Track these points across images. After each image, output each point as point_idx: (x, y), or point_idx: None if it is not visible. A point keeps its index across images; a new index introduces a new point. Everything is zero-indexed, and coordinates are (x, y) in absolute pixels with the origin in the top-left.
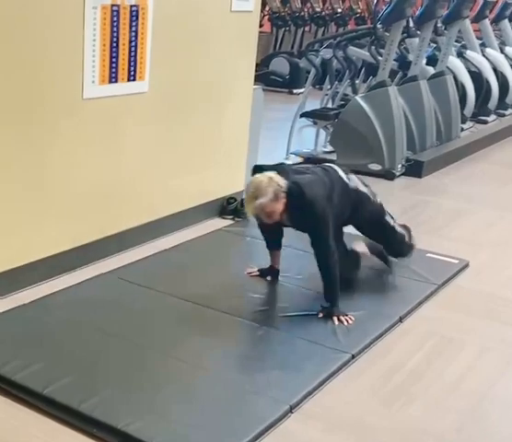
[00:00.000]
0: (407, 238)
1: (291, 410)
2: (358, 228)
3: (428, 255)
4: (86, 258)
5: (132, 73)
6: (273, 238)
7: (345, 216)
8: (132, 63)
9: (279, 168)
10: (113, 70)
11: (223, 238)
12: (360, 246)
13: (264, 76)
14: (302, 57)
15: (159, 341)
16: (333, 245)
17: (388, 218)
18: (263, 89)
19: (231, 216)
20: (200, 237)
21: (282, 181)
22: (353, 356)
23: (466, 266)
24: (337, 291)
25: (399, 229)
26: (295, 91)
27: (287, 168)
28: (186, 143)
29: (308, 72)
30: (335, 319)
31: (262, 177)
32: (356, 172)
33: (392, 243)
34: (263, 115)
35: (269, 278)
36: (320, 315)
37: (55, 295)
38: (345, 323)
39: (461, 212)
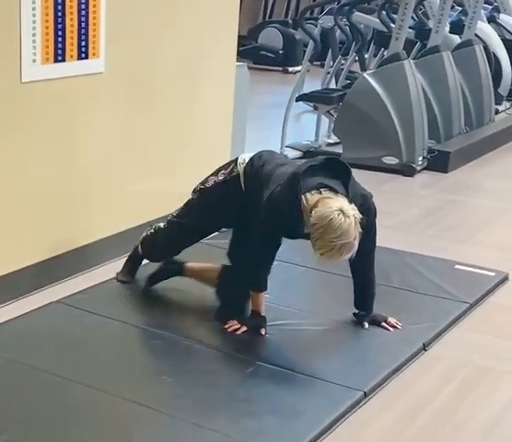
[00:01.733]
0: None
1: None
2: None
3: (457, 267)
4: (29, 284)
5: (83, 49)
6: (265, 274)
7: None
8: (82, 37)
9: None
10: (59, 45)
11: (203, 253)
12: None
13: (252, 52)
14: (298, 27)
15: (124, 384)
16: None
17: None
18: (251, 68)
19: None
20: None
21: (357, 213)
22: (365, 394)
23: (505, 279)
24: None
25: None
26: (290, 69)
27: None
28: (153, 136)
29: (306, 45)
30: (385, 324)
31: (344, 216)
32: (368, 168)
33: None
34: (250, 100)
35: (263, 332)
36: (367, 325)
37: None
38: (399, 327)
39: (497, 213)
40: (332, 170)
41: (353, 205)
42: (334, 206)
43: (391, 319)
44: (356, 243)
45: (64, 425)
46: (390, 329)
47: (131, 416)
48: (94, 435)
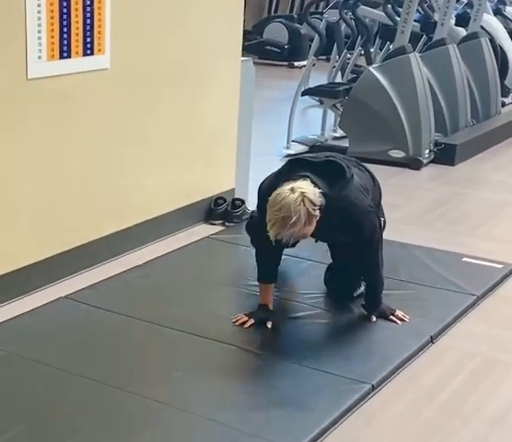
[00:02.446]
0: None
1: None
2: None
3: (464, 260)
4: (33, 281)
5: (88, 45)
6: (270, 265)
7: None
8: (88, 33)
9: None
10: (65, 42)
11: (210, 248)
12: None
13: (257, 47)
14: (303, 21)
15: (132, 378)
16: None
17: None
18: (256, 63)
19: (220, 221)
20: (181, 248)
21: (316, 197)
22: (373, 387)
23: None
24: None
25: None
26: (296, 64)
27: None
28: (159, 132)
29: (312, 39)
30: (393, 317)
31: (292, 193)
32: (374, 161)
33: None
34: (256, 95)
35: (270, 325)
36: (374, 319)
37: None
38: (406, 319)
39: (504, 205)
40: (328, 170)
41: (312, 188)
42: (289, 186)
43: (399, 312)
44: (303, 223)
45: (72, 420)
46: (398, 322)
47: (140, 411)
48: (103, 430)
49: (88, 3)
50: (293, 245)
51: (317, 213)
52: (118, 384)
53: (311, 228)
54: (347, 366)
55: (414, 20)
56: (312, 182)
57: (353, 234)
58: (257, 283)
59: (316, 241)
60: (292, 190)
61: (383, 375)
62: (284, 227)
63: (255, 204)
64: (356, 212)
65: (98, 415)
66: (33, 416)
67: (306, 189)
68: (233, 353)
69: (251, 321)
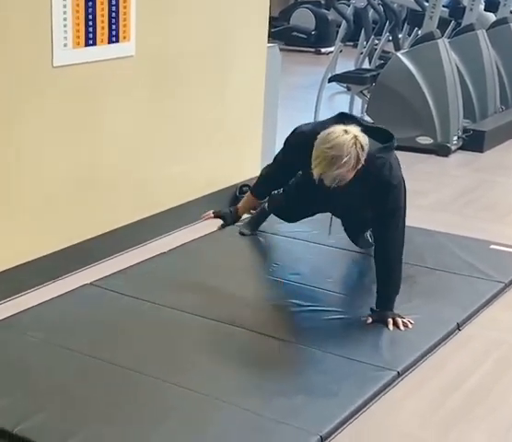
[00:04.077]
0: None
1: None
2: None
3: (492, 247)
4: (61, 268)
5: (113, 33)
6: (273, 185)
7: None
8: (113, 21)
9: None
10: (90, 29)
11: (236, 236)
12: None
13: (284, 33)
14: (331, 7)
15: (155, 364)
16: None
17: None
18: (283, 49)
19: None
20: (206, 235)
21: (365, 143)
22: (399, 374)
23: None
24: (397, 292)
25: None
26: (323, 50)
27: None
28: (184, 119)
29: (339, 25)
30: (390, 322)
31: (345, 134)
32: (402, 148)
33: None
34: (282, 81)
35: (220, 225)
36: (370, 320)
37: (24, 314)
38: (402, 328)
39: None
40: (376, 133)
41: (363, 135)
42: (343, 127)
43: (399, 321)
44: (351, 166)
45: (97, 405)
46: (390, 328)
47: (164, 396)
48: (127, 415)
49: None
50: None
51: (363, 160)
52: (142, 370)
53: (351, 176)
54: (372, 353)
55: (443, 5)
56: (363, 132)
57: (378, 200)
58: (280, 271)
59: (333, 212)
60: (346, 131)
61: (409, 362)
62: (332, 166)
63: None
64: (389, 177)
65: (122, 401)
66: (59, 402)
67: (359, 134)
68: (257, 339)
69: (210, 215)
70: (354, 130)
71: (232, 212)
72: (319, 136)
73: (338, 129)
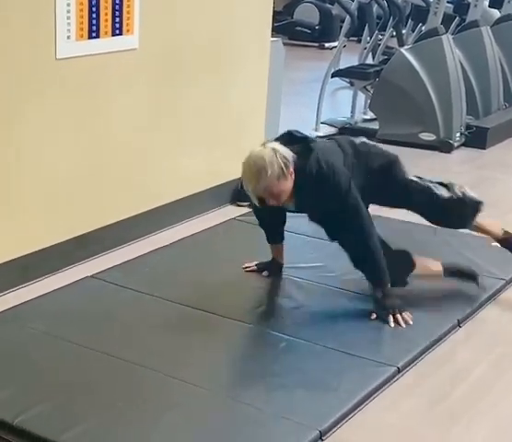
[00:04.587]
0: (458, 194)
1: (321, 437)
2: (381, 202)
3: (494, 244)
4: (64, 259)
5: (117, 25)
6: (273, 228)
7: (364, 191)
8: (117, 14)
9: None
10: (94, 22)
11: (237, 229)
12: (433, 264)
13: (288, 27)
14: (335, 2)
15: (154, 357)
16: (369, 221)
17: (405, 173)
18: (286, 43)
19: (247, 203)
20: (208, 229)
21: (287, 153)
22: (399, 370)
23: None
24: (385, 273)
25: (432, 186)
26: (326, 45)
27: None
28: (188, 112)
29: (343, 20)
30: (391, 319)
31: (264, 149)
32: (404, 144)
33: (432, 206)
34: (286, 76)
35: (265, 274)
36: (374, 316)
37: (24, 306)
38: (403, 325)
39: None
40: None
41: (283, 147)
42: (260, 145)
43: (399, 317)
44: (276, 174)
45: (97, 397)
46: (391, 324)
47: (163, 390)
48: (127, 408)
49: None
50: (282, 212)
51: (291, 168)
52: (142, 363)
53: (288, 185)
54: (373, 349)
55: (447, 2)
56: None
57: (326, 196)
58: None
59: (310, 219)
60: (263, 145)
61: (409, 358)
62: (259, 179)
63: None
64: (319, 169)
65: (122, 394)
66: (59, 393)
67: (277, 146)
68: (258, 334)
69: (253, 267)
70: (273, 144)
71: (271, 262)
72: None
73: (256, 148)
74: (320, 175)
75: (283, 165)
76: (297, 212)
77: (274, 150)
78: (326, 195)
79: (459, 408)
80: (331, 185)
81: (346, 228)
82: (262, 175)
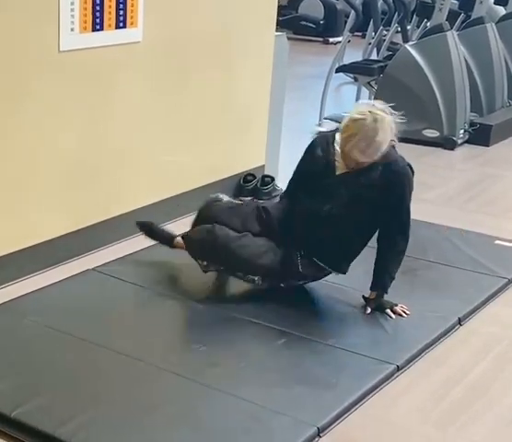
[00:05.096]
0: None
1: (319, 433)
2: None
3: (497, 242)
4: (64, 253)
5: (121, 18)
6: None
7: None
8: (121, 6)
9: None
10: (97, 14)
11: None
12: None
13: (292, 22)
14: None
15: (154, 351)
16: None
17: None
18: (290, 38)
19: (250, 198)
20: None
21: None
22: (398, 368)
23: None
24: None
25: None
26: (331, 40)
27: None
28: (190, 106)
29: (348, 15)
30: (389, 311)
31: (385, 113)
32: (408, 140)
33: None
34: (290, 71)
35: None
36: (369, 310)
37: (25, 298)
38: (404, 315)
39: None
40: None
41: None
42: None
43: (398, 308)
44: (379, 138)
45: (96, 391)
46: (393, 316)
47: (162, 384)
48: (126, 401)
49: None
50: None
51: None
52: (142, 357)
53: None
54: (373, 347)
55: None
56: None
57: (390, 183)
58: None
59: (326, 208)
60: (383, 111)
61: (408, 356)
62: (373, 134)
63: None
64: (400, 162)
65: (121, 387)
66: (59, 385)
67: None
68: (258, 329)
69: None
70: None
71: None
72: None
73: (378, 105)
74: (404, 169)
75: (392, 128)
76: (333, 188)
77: (393, 123)
78: (396, 187)
79: (458, 407)
80: (406, 184)
81: (390, 223)
82: (378, 132)
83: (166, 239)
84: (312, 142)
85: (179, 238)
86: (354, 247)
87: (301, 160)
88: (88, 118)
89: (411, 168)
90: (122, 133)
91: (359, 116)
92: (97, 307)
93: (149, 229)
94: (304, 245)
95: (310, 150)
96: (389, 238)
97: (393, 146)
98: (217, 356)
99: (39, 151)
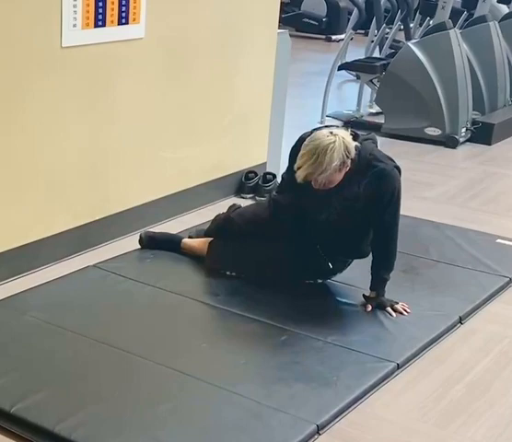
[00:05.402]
0: None
1: (318, 430)
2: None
3: (498, 241)
4: (65, 249)
5: (123, 14)
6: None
7: None
8: (123, 2)
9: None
10: (100, 10)
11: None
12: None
13: (295, 19)
14: None
15: (155, 348)
16: None
17: None
18: (293, 35)
19: (251, 195)
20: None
21: (353, 147)
22: (398, 366)
23: None
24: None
25: None
26: (333, 38)
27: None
28: (192, 103)
29: (350, 13)
30: (390, 309)
31: (332, 136)
32: (410, 138)
33: None
34: (292, 68)
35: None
36: (369, 308)
37: (25, 294)
38: (405, 313)
39: None
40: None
41: (350, 140)
42: (329, 130)
43: (399, 306)
44: (332, 174)
45: (96, 387)
46: (393, 314)
47: (163, 380)
48: (125, 398)
49: None
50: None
51: (348, 162)
52: (142, 353)
53: (340, 177)
54: (373, 345)
55: None
56: (351, 134)
57: (375, 190)
58: None
59: (322, 217)
60: (331, 133)
61: (409, 354)
62: (317, 169)
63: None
64: (383, 166)
65: (121, 383)
66: (59, 382)
67: (345, 135)
68: (258, 327)
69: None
70: (341, 132)
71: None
72: (305, 142)
73: (324, 132)
74: (391, 173)
75: (344, 158)
76: (323, 200)
77: (343, 140)
78: (380, 189)
79: (458, 405)
80: (395, 187)
81: (385, 229)
82: (322, 165)
83: (173, 245)
84: (293, 147)
85: (186, 239)
86: (365, 234)
87: (287, 169)
88: (90, 114)
89: (398, 169)
90: (124, 129)
91: (304, 151)
92: (97, 303)
93: (153, 242)
94: (323, 246)
95: (292, 159)
96: (379, 241)
97: (376, 145)
98: (218, 353)
99: (40, 147)
